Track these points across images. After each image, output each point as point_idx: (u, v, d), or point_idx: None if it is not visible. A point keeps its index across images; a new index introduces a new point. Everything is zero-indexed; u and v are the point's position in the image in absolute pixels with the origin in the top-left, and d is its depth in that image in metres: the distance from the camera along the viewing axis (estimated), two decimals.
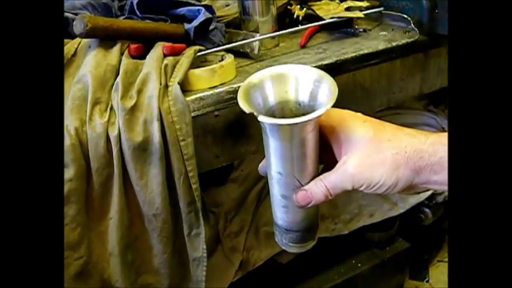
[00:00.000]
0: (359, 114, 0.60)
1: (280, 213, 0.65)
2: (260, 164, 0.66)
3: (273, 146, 0.57)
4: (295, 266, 1.39)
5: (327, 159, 0.62)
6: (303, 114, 0.52)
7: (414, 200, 1.47)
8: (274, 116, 0.59)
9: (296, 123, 0.51)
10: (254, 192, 1.28)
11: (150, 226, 0.88)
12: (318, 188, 0.59)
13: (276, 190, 0.62)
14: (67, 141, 0.78)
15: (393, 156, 0.55)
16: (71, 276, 0.83)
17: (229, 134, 0.94)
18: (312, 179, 0.60)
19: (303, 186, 0.60)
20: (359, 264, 1.47)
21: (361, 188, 0.58)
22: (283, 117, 0.60)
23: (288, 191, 0.61)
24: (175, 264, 0.93)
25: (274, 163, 0.59)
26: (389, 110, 1.50)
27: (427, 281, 1.82)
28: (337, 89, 0.54)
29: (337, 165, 0.59)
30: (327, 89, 0.56)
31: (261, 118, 0.53)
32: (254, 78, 0.59)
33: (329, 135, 0.59)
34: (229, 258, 1.22)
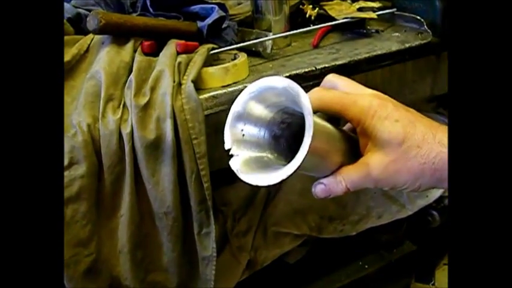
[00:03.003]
0: (390, 107, 0.56)
1: None
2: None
3: None
4: (302, 266, 1.39)
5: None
6: None
7: (423, 202, 1.46)
8: (283, 122, 0.58)
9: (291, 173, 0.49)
10: (263, 191, 1.27)
11: (161, 224, 0.88)
12: (338, 186, 0.57)
13: None
14: (79, 138, 0.78)
15: (420, 166, 0.53)
16: (81, 273, 0.83)
17: None
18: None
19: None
20: (366, 266, 1.47)
21: (383, 188, 0.57)
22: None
23: None
24: (185, 262, 0.93)
25: None
26: None
27: (433, 284, 1.81)
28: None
29: (360, 163, 0.56)
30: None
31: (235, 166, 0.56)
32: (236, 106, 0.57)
33: (356, 123, 0.56)
34: (236, 258, 1.22)
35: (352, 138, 0.59)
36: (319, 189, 0.58)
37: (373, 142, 0.55)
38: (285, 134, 0.59)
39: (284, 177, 0.49)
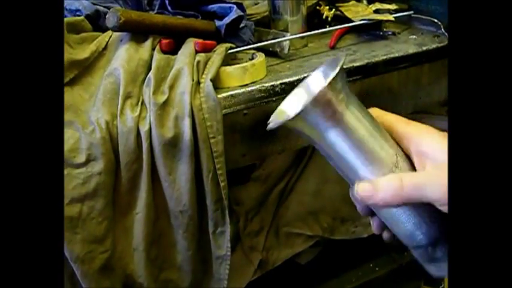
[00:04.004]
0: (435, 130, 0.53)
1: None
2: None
3: (329, 145, 0.53)
4: (313, 267, 1.39)
5: None
6: None
7: None
8: None
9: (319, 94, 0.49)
10: (276, 191, 1.27)
11: (176, 222, 0.88)
12: (388, 180, 0.50)
13: None
14: (97, 135, 0.78)
15: None
16: (96, 270, 0.83)
17: (257, 133, 0.93)
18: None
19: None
20: (377, 268, 1.47)
21: (437, 204, 0.50)
22: None
23: None
24: (199, 261, 0.93)
25: (348, 167, 0.54)
26: (411, 115, 1.49)
27: (442, 287, 1.81)
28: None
29: (425, 171, 0.51)
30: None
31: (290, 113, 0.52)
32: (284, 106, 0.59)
33: (411, 139, 0.53)
34: (248, 257, 1.22)
35: (403, 151, 0.56)
36: (361, 186, 0.52)
37: (434, 163, 0.51)
38: None
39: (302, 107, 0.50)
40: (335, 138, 0.53)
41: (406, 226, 0.56)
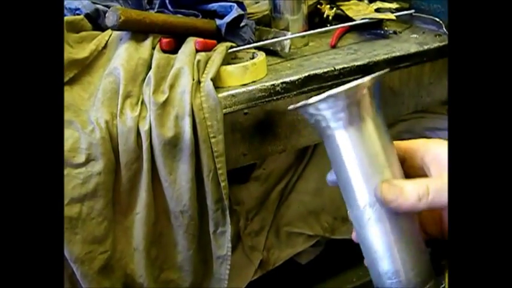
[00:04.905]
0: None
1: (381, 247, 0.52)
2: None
3: (343, 147, 0.50)
4: (314, 267, 1.39)
5: None
6: None
7: None
8: None
9: (356, 85, 0.47)
10: (276, 191, 1.27)
11: (176, 222, 0.87)
12: (414, 185, 0.47)
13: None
14: (97, 135, 0.77)
15: None
16: (95, 271, 0.82)
17: (257, 132, 0.93)
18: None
19: None
20: None
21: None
22: None
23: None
24: (199, 261, 0.92)
25: (354, 175, 0.50)
26: (412, 114, 1.49)
27: (443, 287, 1.81)
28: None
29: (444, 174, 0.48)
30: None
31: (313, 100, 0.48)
32: None
33: (417, 158, 0.51)
34: (249, 257, 1.22)
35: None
36: (386, 187, 0.49)
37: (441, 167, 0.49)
38: None
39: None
40: (352, 139, 0.50)
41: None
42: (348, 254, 1.46)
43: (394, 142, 0.53)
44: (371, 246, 0.52)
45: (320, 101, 0.48)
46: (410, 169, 0.53)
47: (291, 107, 0.50)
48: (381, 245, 0.51)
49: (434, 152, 0.51)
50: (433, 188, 0.47)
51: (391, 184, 0.48)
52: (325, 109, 0.49)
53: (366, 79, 0.47)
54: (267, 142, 0.95)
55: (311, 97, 0.50)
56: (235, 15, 0.95)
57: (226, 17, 0.96)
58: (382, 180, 0.49)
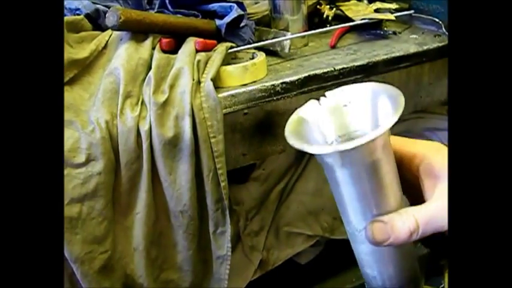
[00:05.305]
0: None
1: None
2: None
3: (343, 181, 0.47)
4: (313, 267, 1.39)
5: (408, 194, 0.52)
6: None
7: None
8: None
9: (363, 144, 0.41)
10: (275, 191, 1.27)
11: (176, 222, 0.87)
12: (403, 221, 0.46)
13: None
14: (97, 135, 0.78)
15: None
16: (95, 271, 0.82)
17: (257, 132, 0.93)
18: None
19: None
20: None
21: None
22: None
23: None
24: (199, 261, 0.92)
25: (349, 204, 0.49)
26: (412, 114, 1.49)
27: (443, 287, 1.81)
28: (401, 96, 0.45)
29: (434, 197, 0.48)
30: (387, 100, 0.47)
31: (315, 149, 0.44)
32: (304, 113, 0.51)
33: (420, 159, 0.50)
34: (248, 257, 1.22)
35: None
36: (376, 226, 0.47)
37: (443, 183, 0.47)
38: None
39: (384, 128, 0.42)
40: (353, 177, 0.47)
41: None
42: (348, 254, 1.46)
43: (393, 140, 0.51)
44: (362, 259, 0.54)
45: (325, 154, 0.45)
46: (408, 172, 0.52)
47: (294, 145, 0.45)
48: (371, 262, 0.53)
49: (430, 162, 0.49)
50: (422, 221, 0.46)
51: (381, 222, 0.47)
52: (329, 158, 0.46)
53: (376, 134, 0.42)
54: (267, 142, 0.95)
55: (311, 99, 0.49)
56: (235, 15, 0.95)
57: (226, 17, 0.96)
58: (376, 215, 0.48)
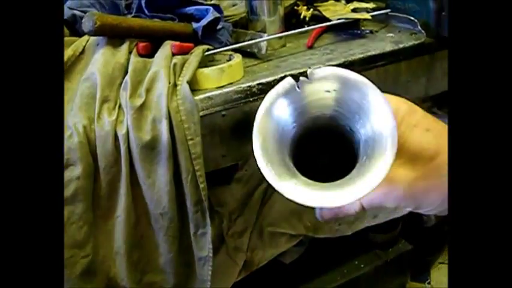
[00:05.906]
0: (420, 113, 0.48)
1: None
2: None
3: None
4: (298, 266, 1.39)
5: None
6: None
7: None
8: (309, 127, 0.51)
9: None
10: (258, 192, 1.27)
11: (157, 225, 0.88)
12: (351, 204, 0.48)
13: None
14: (75, 139, 0.78)
15: None
16: (77, 275, 0.83)
17: (236, 133, 0.94)
18: None
19: None
20: (362, 265, 1.48)
21: (404, 209, 0.49)
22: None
23: None
24: (181, 263, 0.93)
25: None
26: None
27: (429, 283, 1.82)
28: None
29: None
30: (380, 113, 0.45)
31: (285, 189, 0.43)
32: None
33: None
34: (233, 258, 1.22)
35: None
36: (326, 210, 0.50)
37: (399, 153, 0.44)
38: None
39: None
40: None
41: None
42: (332, 253, 1.48)
43: None
44: None
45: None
46: None
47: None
48: None
49: None
50: (366, 203, 0.49)
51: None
52: None
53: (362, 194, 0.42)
54: (246, 143, 0.96)
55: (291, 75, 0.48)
56: (212, 18, 0.96)
57: (203, 20, 0.97)
58: None
